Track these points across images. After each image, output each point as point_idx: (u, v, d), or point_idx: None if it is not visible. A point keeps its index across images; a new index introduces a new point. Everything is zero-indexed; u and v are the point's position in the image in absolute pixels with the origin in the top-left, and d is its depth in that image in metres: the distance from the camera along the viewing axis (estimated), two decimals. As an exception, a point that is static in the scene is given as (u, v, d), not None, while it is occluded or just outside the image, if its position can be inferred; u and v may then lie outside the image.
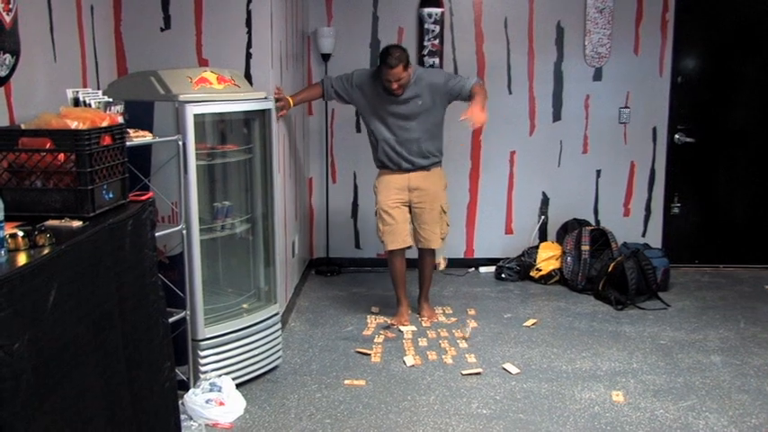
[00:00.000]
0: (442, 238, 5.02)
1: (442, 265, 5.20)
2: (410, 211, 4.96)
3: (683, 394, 3.98)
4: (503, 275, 6.13)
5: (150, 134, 3.45)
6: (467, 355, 4.49)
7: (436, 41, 6.12)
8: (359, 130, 6.12)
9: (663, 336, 4.83)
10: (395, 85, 4.63)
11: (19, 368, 1.88)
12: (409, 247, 5.00)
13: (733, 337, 4.82)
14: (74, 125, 2.66)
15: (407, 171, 4.87)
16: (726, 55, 6.23)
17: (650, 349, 4.60)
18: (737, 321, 5.10)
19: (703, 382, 4.14)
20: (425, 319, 5.10)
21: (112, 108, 3.12)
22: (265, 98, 4.07)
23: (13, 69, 3.03)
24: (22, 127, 2.76)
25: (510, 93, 6.24)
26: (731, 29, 6.21)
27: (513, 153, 6.33)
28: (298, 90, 5.17)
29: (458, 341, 4.67)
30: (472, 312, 5.28)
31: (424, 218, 4.93)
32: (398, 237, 4.92)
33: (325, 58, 6.02)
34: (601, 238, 5.86)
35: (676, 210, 6.42)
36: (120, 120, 3.03)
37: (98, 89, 3.61)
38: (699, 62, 6.29)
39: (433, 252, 5.07)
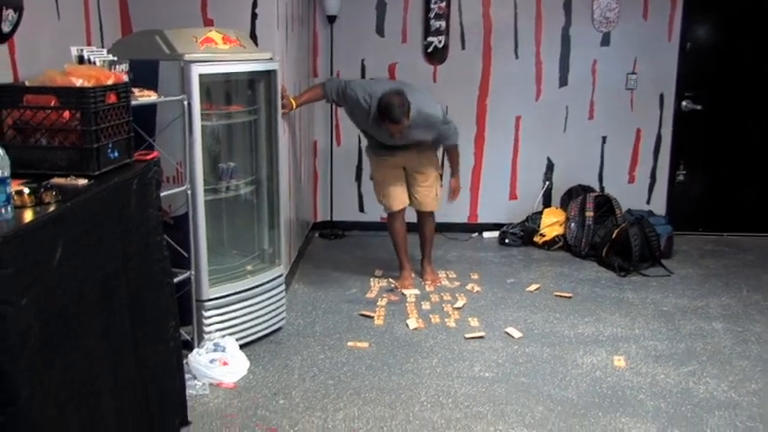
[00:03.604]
0: (438, 201, 5.08)
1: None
2: (405, 173, 4.98)
3: (684, 360, 4.00)
4: (506, 241, 6.13)
5: (155, 93, 3.43)
6: (469, 319, 4.50)
7: (443, 4, 6.05)
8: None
9: (665, 302, 4.84)
10: (397, 135, 4.60)
11: (26, 324, 1.89)
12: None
13: (735, 304, 4.83)
14: (79, 83, 2.64)
15: (401, 150, 4.92)
16: (736, 22, 6.15)
17: (652, 315, 4.62)
18: (740, 289, 5.11)
19: (704, 348, 4.16)
20: (429, 282, 5.12)
21: (117, 67, 3.09)
22: (270, 59, 4.04)
23: (16, 25, 3.01)
24: (27, 84, 2.74)
25: (516, 57, 6.19)
26: (742, -5, 6.14)
27: (518, 118, 6.30)
28: (301, 58, 5.12)
29: (450, 312, 4.65)
30: (475, 277, 5.29)
31: (422, 182, 4.96)
32: (397, 198, 4.95)
33: (331, 20, 5.97)
34: (605, 204, 5.85)
35: (681, 177, 6.39)
36: (125, 78, 3.01)
37: (102, 47, 3.58)
38: (708, 29, 6.22)
39: (432, 214, 5.11)
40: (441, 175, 5.09)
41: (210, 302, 3.84)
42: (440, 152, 5.13)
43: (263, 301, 4.11)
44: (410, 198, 5.01)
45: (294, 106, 4.73)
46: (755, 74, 6.20)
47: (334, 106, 6.06)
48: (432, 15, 6.08)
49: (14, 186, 2.17)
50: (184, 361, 3.50)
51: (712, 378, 3.79)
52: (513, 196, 6.45)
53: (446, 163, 5.20)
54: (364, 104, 4.63)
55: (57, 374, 2.07)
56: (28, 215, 2.09)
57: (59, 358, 2.08)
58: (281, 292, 4.28)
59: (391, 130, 4.54)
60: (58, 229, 2.12)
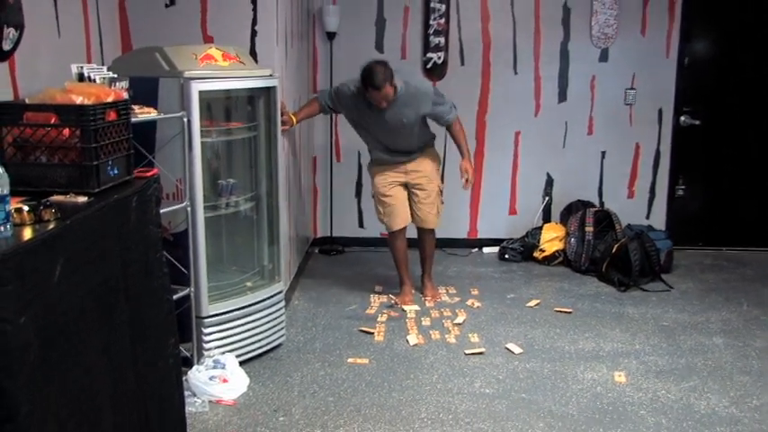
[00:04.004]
0: (439, 218, 5.05)
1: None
2: (407, 190, 4.96)
3: (684, 375, 3.99)
4: (506, 256, 6.13)
5: (155, 111, 3.44)
6: (470, 335, 4.50)
7: (442, 20, 6.08)
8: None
9: (665, 317, 4.84)
10: (383, 103, 4.56)
11: (25, 342, 1.88)
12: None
13: (735, 319, 4.82)
14: (79, 100, 2.64)
15: (402, 164, 4.90)
16: (733, 38, 6.18)
17: (653, 330, 4.61)
18: (740, 304, 5.10)
19: (705, 363, 4.14)
20: (429, 298, 5.10)
21: (117, 84, 3.10)
22: (270, 75, 4.06)
23: (17, 43, 3.02)
24: (27, 101, 2.75)
25: (516, 73, 6.21)
26: (739, 11, 6.15)
27: (518, 133, 6.31)
28: (301, 74, 5.15)
29: (450, 328, 4.64)
30: (475, 292, 5.29)
31: (424, 200, 4.94)
32: (399, 217, 4.93)
33: (330, 36, 5.99)
34: (605, 219, 5.85)
35: (681, 192, 6.40)
36: (125, 95, 3.01)
37: (102, 65, 3.59)
38: (706, 44, 6.25)
39: (432, 231, 5.09)
40: (442, 191, 5.06)
41: (210, 319, 3.83)
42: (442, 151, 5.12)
43: (262, 317, 4.10)
44: (412, 215, 5.00)
45: (294, 122, 4.75)
46: (753, 89, 6.22)
47: (334, 119, 6.09)
48: (431, 32, 6.11)
49: (14, 204, 2.17)
50: (184, 378, 3.49)
51: (713, 394, 3.78)
52: (512, 211, 6.46)
53: (449, 162, 5.20)
54: (354, 90, 4.68)
55: (56, 391, 2.06)
56: (27, 233, 2.09)
57: (59, 375, 2.08)
58: (281, 308, 4.27)
59: (375, 99, 4.51)
60: (57, 247, 2.12)
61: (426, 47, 6.13)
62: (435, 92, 4.78)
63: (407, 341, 4.41)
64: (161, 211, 3.08)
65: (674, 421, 3.49)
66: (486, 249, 6.40)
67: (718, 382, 3.91)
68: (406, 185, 4.95)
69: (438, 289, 5.26)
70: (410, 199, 4.97)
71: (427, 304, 5.03)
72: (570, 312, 4.91)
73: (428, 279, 5.21)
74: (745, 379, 3.95)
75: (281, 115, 4.35)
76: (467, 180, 4.90)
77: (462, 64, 6.15)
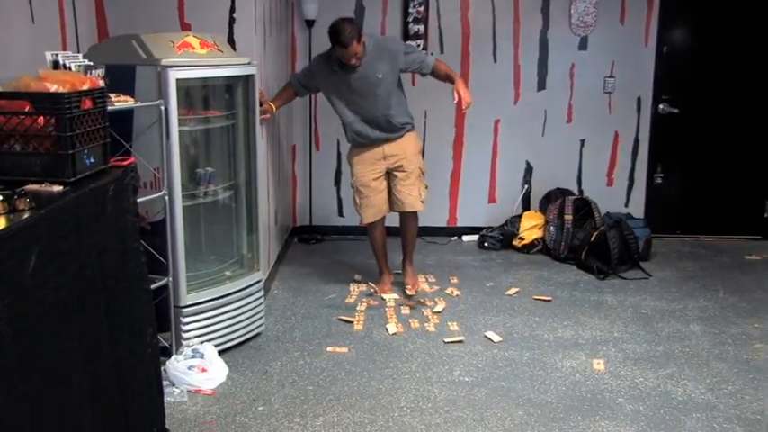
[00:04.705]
0: (422, 201, 4.89)
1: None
2: (387, 177, 4.87)
3: (662, 362, 4.02)
4: (485, 244, 6.15)
5: (132, 99, 3.40)
6: (449, 323, 4.50)
7: (421, 8, 6.06)
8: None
9: (644, 305, 4.87)
10: (353, 60, 4.50)
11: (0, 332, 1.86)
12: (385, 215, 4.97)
13: (712, 306, 4.86)
14: (53, 88, 2.61)
15: (380, 144, 4.79)
16: (712, 26, 6.21)
17: (631, 318, 4.64)
18: (717, 291, 5.15)
19: (682, 350, 4.18)
20: (409, 287, 5.03)
21: (93, 72, 3.07)
22: (249, 63, 4.03)
23: (-10, 30, 2.98)
24: (0, 89, 2.71)
25: (495, 61, 6.21)
26: (718, 0, 6.18)
27: (497, 122, 6.32)
28: (279, 62, 5.12)
29: (430, 316, 4.64)
30: (454, 281, 5.30)
31: (403, 181, 4.81)
32: (375, 208, 4.86)
33: (309, 24, 5.96)
34: (584, 207, 5.88)
35: (659, 180, 6.44)
36: (101, 84, 2.98)
37: (78, 52, 3.55)
38: (684, 33, 6.28)
39: (415, 215, 4.97)
40: (424, 173, 4.92)
41: (188, 308, 3.81)
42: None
43: (241, 306, 4.09)
44: (391, 199, 4.89)
45: (275, 109, 4.72)
46: (732, 77, 6.26)
47: (313, 108, 6.07)
48: (410, 19, 6.09)
49: (-13, 193, 2.15)
50: (162, 368, 3.47)
51: (690, 380, 3.81)
52: (492, 200, 6.47)
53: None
54: (324, 58, 4.69)
55: (31, 382, 2.04)
56: (1, 223, 2.06)
57: (34, 366, 2.05)
58: (260, 297, 4.26)
59: (346, 57, 4.46)
60: (32, 237, 2.09)
61: (406, 35, 6.11)
62: (404, 43, 4.74)
63: (387, 330, 4.41)
64: (138, 200, 3.05)
65: (652, 408, 3.52)
66: (465, 238, 6.41)
67: (695, 369, 3.94)
68: (387, 174, 4.87)
69: (418, 276, 5.23)
70: (390, 183, 4.87)
71: (408, 293, 4.97)
72: (549, 300, 4.93)
73: (409, 265, 5.12)
74: (722, 366, 3.99)
75: (261, 105, 4.32)
76: (462, 101, 4.62)
77: (442, 52, 6.13)
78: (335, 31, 4.41)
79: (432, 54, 4.83)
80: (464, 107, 4.69)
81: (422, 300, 4.89)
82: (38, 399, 2.07)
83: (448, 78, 4.82)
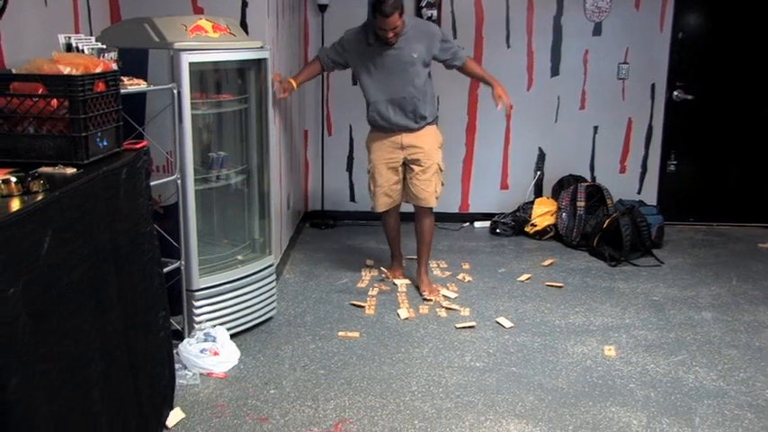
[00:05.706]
0: (437, 198, 4.76)
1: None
2: (404, 168, 4.75)
3: (673, 349, 4.01)
4: (497, 230, 6.14)
5: (144, 82, 3.41)
6: (460, 309, 4.50)
7: (435, -7, 6.03)
8: (355, 83, 6.02)
9: (656, 292, 4.86)
10: (390, 34, 4.41)
11: (14, 314, 1.87)
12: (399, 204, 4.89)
13: (725, 293, 4.85)
14: (67, 71, 2.61)
15: (399, 132, 4.66)
16: (728, 12, 6.15)
17: (643, 305, 4.63)
18: (729, 279, 5.13)
19: (694, 337, 4.17)
20: (426, 293, 4.75)
21: (106, 55, 3.07)
22: (261, 47, 4.02)
23: (2, 11, 2.98)
24: (14, 71, 2.72)
25: (508, 47, 6.18)
26: (733, -16, 6.13)
27: (510, 107, 6.26)
28: (292, 47, 5.07)
29: (441, 302, 4.63)
30: (466, 266, 5.29)
31: (419, 175, 4.68)
32: (388, 198, 4.77)
33: (322, 8, 5.94)
34: (596, 194, 5.86)
35: (672, 167, 6.41)
36: (114, 66, 2.98)
37: (91, 35, 3.55)
38: (700, 19, 6.21)
39: (429, 212, 4.80)
40: (442, 170, 4.76)
41: (201, 292, 3.83)
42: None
43: (253, 290, 4.10)
44: (405, 191, 4.78)
45: (296, 86, 4.67)
46: (747, 64, 6.20)
47: (325, 94, 6.05)
48: (423, 4, 6.06)
49: (1, 175, 2.16)
50: (175, 351, 3.49)
51: (701, 367, 3.80)
52: (504, 186, 6.45)
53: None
54: (358, 32, 4.62)
55: (46, 363, 2.05)
56: (15, 204, 2.07)
57: (49, 347, 2.07)
58: (272, 281, 4.27)
59: (384, 28, 4.38)
60: (46, 219, 2.10)
61: (419, 20, 6.07)
62: (443, 31, 4.71)
63: (398, 315, 4.42)
64: (151, 183, 3.07)
65: (663, 394, 3.52)
66: (477, 224, 6.40)
67: (707, 356, 3.93)
68: (403, 165, 4.73)
69: (436, 284, 4.91)
70: (405, 175, 4.75)
71: (425, 299, 4.69)
72: (561, 287, 4.92)
73: (424, 272, 4.86)
74: (733, 353, 3.98)
75: (280, 82, 4.28)
76: (503, 105, 4.74)
77: (455, 37, 6.10)
78: (380, 1, 4.33)
79: (464, 49, 4.80)
80: (506, 111, 4.83)
81: (442, 303, 4.65)
82: (52, 380, 2.08)
83: (482, 79, 4.85)
